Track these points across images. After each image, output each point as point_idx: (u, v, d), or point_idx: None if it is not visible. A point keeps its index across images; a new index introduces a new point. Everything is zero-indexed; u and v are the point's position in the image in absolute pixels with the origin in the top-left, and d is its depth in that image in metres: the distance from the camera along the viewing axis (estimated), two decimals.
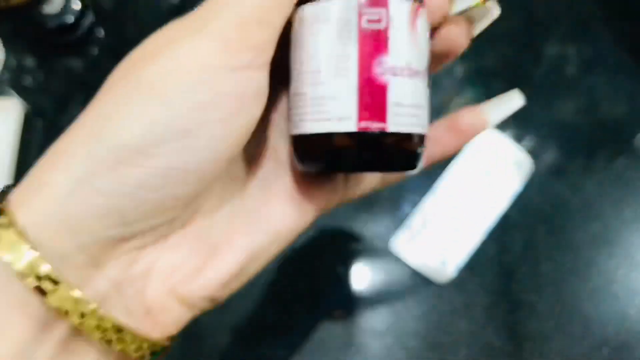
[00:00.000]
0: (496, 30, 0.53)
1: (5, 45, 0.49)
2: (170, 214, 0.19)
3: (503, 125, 0.49)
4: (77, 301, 0.17)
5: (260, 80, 0.19)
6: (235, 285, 0.21)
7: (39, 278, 0.16)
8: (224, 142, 0.18)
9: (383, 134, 0.19)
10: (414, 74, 0.19)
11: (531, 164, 0.47)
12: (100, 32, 0.50)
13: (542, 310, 0.43)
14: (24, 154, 0.46)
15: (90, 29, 0.50)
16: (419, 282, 0.44)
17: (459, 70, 0.50)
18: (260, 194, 0.22)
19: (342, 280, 0.44)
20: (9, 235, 0.16)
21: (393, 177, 0.25)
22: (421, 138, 0.20)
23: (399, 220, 0.45)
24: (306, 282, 0.43)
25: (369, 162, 0.20)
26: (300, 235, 0.23)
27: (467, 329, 0.42)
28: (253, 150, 0.22)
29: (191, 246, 0.21)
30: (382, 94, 0.19)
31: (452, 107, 0.49)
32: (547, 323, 0.43)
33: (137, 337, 0.18)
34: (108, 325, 0.17)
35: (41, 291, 0.16)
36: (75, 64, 0.49)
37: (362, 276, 0.44)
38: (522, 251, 0.45)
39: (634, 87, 0.50)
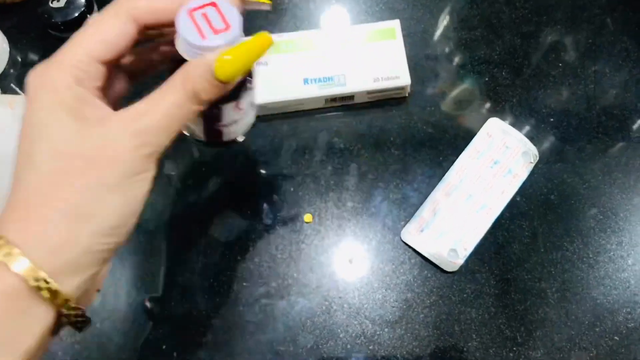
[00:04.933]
0: (502, 18, 0.53)
1: (10, 41, 0.49)
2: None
3: (508, 115, 0.48)
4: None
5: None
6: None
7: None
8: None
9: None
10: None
11: (537, 153, 0.47)
12: None
13: (552, 298, 0.43)
14: None
15: None
16: (429, 271, 0.44)
17: (463, 58, 0.50)
18: None
19: (354, 271, 0.44)
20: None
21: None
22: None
23: (409, 210, 0.45)
24: (318, 274, 0.43)
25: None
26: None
27: (478, 318, 0.42)
28: None
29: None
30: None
31: (455, 95, 0.49)
32: (557, 311, 0.43)
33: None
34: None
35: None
36: None
37: (373, 266, 0.44)
38: (531, 239, 0.45)
39: (638, 74, 0.50)
